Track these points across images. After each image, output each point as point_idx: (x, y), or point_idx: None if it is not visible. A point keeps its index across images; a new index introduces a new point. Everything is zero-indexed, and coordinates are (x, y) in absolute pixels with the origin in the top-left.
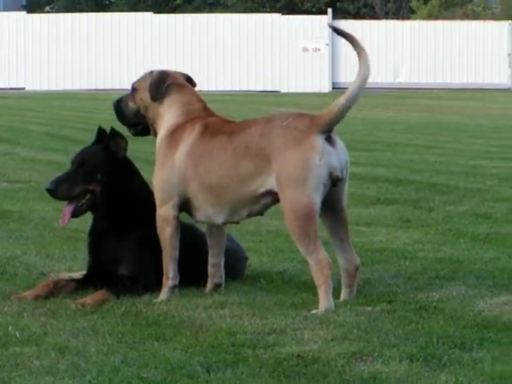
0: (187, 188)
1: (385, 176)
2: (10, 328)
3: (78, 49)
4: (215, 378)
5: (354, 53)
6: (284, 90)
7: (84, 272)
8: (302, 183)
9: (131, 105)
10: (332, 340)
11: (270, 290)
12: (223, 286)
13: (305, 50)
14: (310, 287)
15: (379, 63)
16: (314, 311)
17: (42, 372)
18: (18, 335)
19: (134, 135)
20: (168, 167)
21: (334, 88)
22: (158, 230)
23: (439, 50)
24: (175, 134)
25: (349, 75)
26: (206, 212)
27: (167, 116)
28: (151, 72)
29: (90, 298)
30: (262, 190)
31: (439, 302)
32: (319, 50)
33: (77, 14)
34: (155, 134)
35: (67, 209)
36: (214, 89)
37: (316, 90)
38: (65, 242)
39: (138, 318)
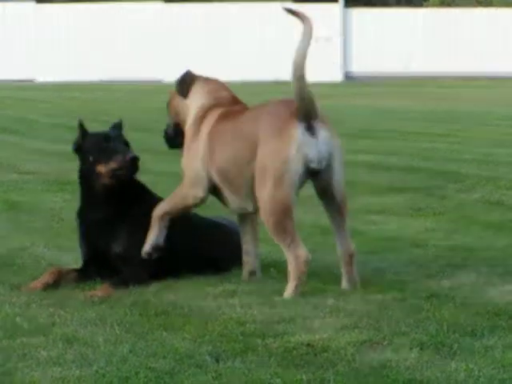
0: (211, 174)
1: (397, 164)
2: (18, 319)
3: (89, 39)
4: (224, 368)
5: (367, 41)
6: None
7: (81, 263)
8: (280, 176)
9: (169, 124)
10: (342, 328)
11: (279, 279)
12: (258, 274)
13: (316, 39)
14: (320, 276)
15: (392, 51)
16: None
17: (50, 362)
18: (25, 326)
19: None
20: (193, 152)
21: (347, 77)
22: (180, 205)
23: (452, 38)
24: (199, 119)
25: (362, 64)
26: (232, 200)
27: (194, 105)
28: None
29: (98, 291)
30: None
31: (450, 290)
32: (331, 39)
33: (87, 3)
34: None
35: None
36: (221, 79)
37: (328, 79)
38: (73, 233)
39: (146, 308)
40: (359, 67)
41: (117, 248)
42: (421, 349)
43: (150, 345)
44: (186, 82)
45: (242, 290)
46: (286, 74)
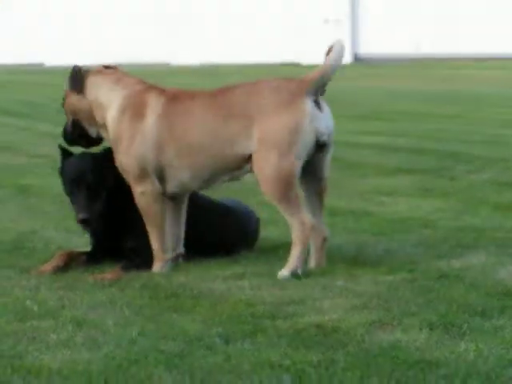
0: (162, 155)
1: (406, 145)
2: (28, 302)
3: (99, 22)
4: (234, 349)
5: (376, 23)
6: (305, 61)
7: (91, 247)
8: (288, 147)
9: (68, 123)
10: (351, 309)
11: (288, 261)
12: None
13: (326, 21)
14: (328, 257)
15: (401, 33)
16: (281, 272)
17: (59, 345)
18: (35, 309)
19: (87, 147)
20: (138, 140)
21: (356, 59)
22: (145, 207)
23: (463, 19)
24: (133, 105)
25: (371, 46)
26: (182, 178)
27: (105, 97)
28: None
29: (109, 274)
30: (246, 152)
31: (460, 271)
32: (340, 20)
33: None
34: (96, 132)
35: None
36: (231, 61)
37: None
38: None
39: (156, 291)
40: (368, 49)
41: (126, 236)
42: (430, 329)
43: (159, 327)
44: (77, 78)
45: (251, 272)
46: (298, 57)
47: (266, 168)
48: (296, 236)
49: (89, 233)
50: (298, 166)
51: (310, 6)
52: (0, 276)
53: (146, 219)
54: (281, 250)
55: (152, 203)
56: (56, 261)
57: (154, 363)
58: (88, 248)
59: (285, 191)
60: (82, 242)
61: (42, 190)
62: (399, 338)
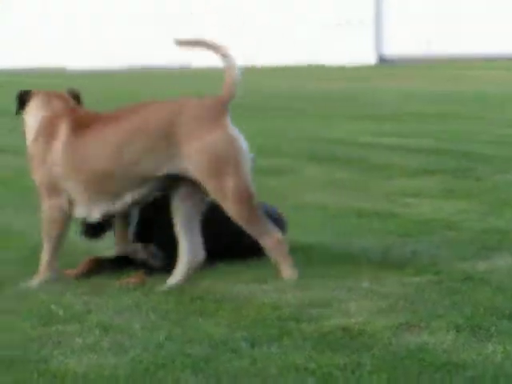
0: (67, 181)
1: (429, 146)
2: (53, 306)
3: (119, 24)
4: (259, 353)
5: (401, 23)
6: (328, 62)
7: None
8: (236, 166)
9: None
10: (377, 311)
11: (312, 263)
12: None
13: (347, 21)
14: (354, 259)
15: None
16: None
17: (85, 349)
18: (60, 313)
19: None
20: (48, 164)
21: (380, 60)
22: (49, 220)
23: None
24: (45, 131)
25: (395, 47)
26: (86, 203)
27: (31, 120)
28: None
29: (133, 278)
30: (159, 173)
31: (486, 273)
32: (363, 21)
33: None
34: None
35: None
36: (257, 63)
37: (361, 61)
38: None
39: (181, 295)
40: (392, 50)
41: (151, 239)
42: (457, 331)
43: (185, 331)
44: (21, 98)
45: (275, 275)
46: (319, 57)
47: (225, 192)
48: (276, 256)
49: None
50: (251, 182)
51: (333, 6)
52: (25, 280)
53: (44, 231)
54: (304, 251)
55: (58, 217)
56: (82, 267)
57: (180, 367)
58: (113, 252)
59: (250, 210)
60: (106, 246)
61: None
62: (426, 341)
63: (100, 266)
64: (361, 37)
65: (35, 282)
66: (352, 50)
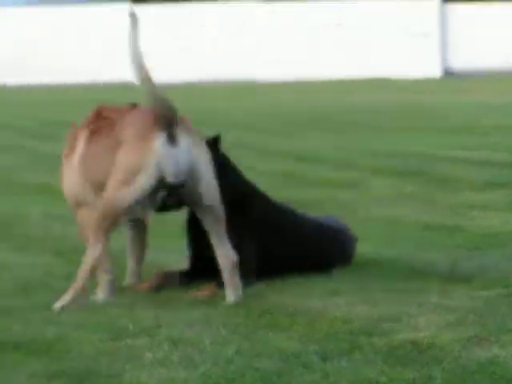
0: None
1: (497, 159)
2: (123, 320)
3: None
4: (331, 367)
5: (467, 35)
6: (394, 75)
7: (188, 266)
8: (125, 185)
9: None
10: (447, 325)
11: (381, 277)
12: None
13: (413, 34)
14: (423, 274)
15: (492, 47)
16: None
17: (156, 364)
18: (130, 327)
19: None
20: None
21: (446, 73)
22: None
23: None
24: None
25: (462, 59)
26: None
27: None
28: None
29: (204, 291)
30: None
31: None
32: (428, 34)
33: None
34: None
35: None
36: (315, 77)
37: (425, 75)
38: (174, 234)
39: (250, 309)
40: (459, 63)
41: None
42: None
43: (254, 345)
44: None
45: (346, 289)
46: (385, 71)
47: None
48: (84, 263)
49: (188, 249)
50: (126, 206)
51: (396, 19)
52: (92, 294)
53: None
54: (373, 266)
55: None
56: (152, 281)
57: (250, 381)
58: (183, 267)
59: (100, 220)
60: (172, 261)
61: None
62: (496, 354)
63: (169, 281)
64: (425, 50)
65: (100, 295)
66: (417, 63)
